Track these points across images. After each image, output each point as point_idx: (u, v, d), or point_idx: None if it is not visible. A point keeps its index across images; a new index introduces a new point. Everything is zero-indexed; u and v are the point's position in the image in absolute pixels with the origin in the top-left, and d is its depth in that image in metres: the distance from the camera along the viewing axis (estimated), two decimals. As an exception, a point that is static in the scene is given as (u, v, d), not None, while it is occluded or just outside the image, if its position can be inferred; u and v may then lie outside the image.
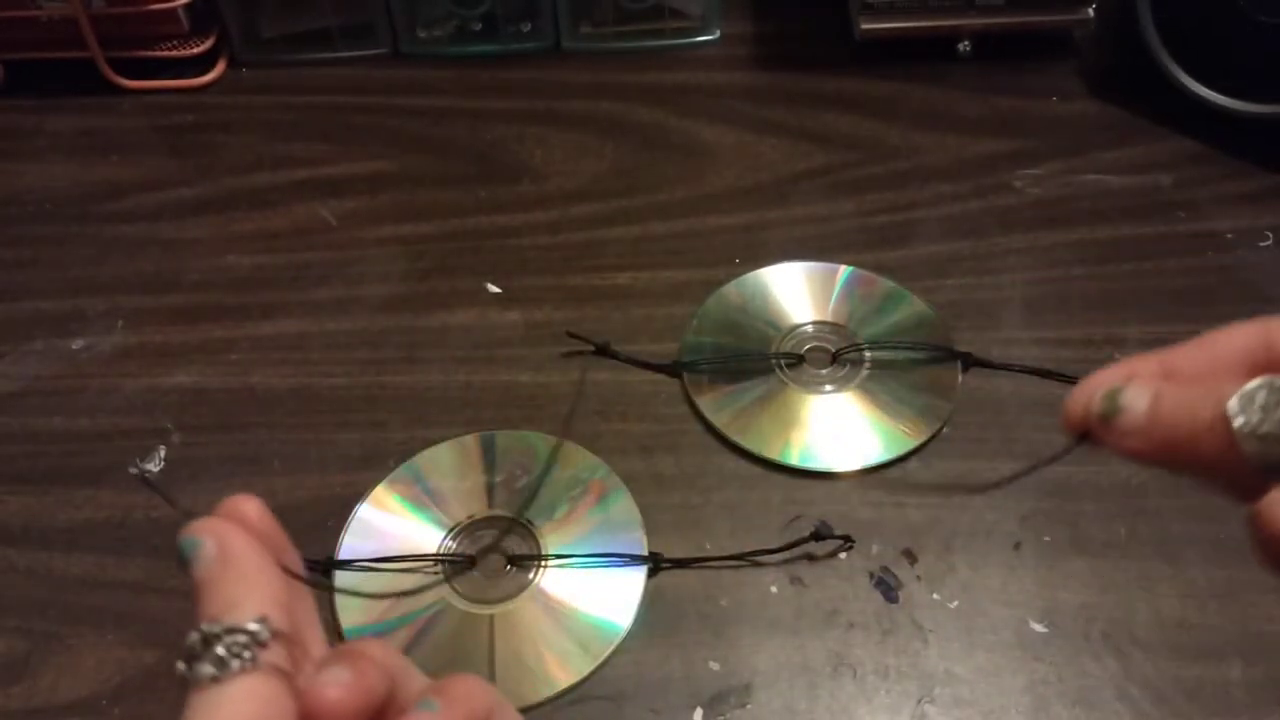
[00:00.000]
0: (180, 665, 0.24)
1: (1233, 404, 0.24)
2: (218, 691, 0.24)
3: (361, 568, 0.51)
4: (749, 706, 0.47)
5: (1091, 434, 0.28)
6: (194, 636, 0.25)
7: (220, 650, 0.24)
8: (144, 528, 0.54)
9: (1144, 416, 0.26)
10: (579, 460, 0.55)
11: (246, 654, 0.24)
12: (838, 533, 0.52)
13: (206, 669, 0.24)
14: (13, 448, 0.58)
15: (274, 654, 0.25)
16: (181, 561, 0.27)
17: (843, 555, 0.52)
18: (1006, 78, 0.77)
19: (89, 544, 0.53)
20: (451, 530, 0.52)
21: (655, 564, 0.51)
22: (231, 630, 0.24)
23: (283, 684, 0.25)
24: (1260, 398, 0.23)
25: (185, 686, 0.24)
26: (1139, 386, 0.27)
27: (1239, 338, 0.28)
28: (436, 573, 0.51)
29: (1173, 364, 0.28)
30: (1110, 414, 0.27)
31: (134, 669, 0.49)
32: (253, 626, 0.25)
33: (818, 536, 0.51)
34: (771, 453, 0.55)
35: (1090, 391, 0.28)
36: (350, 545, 0.52)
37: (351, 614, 0.50)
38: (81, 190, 0.72)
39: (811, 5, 0.82)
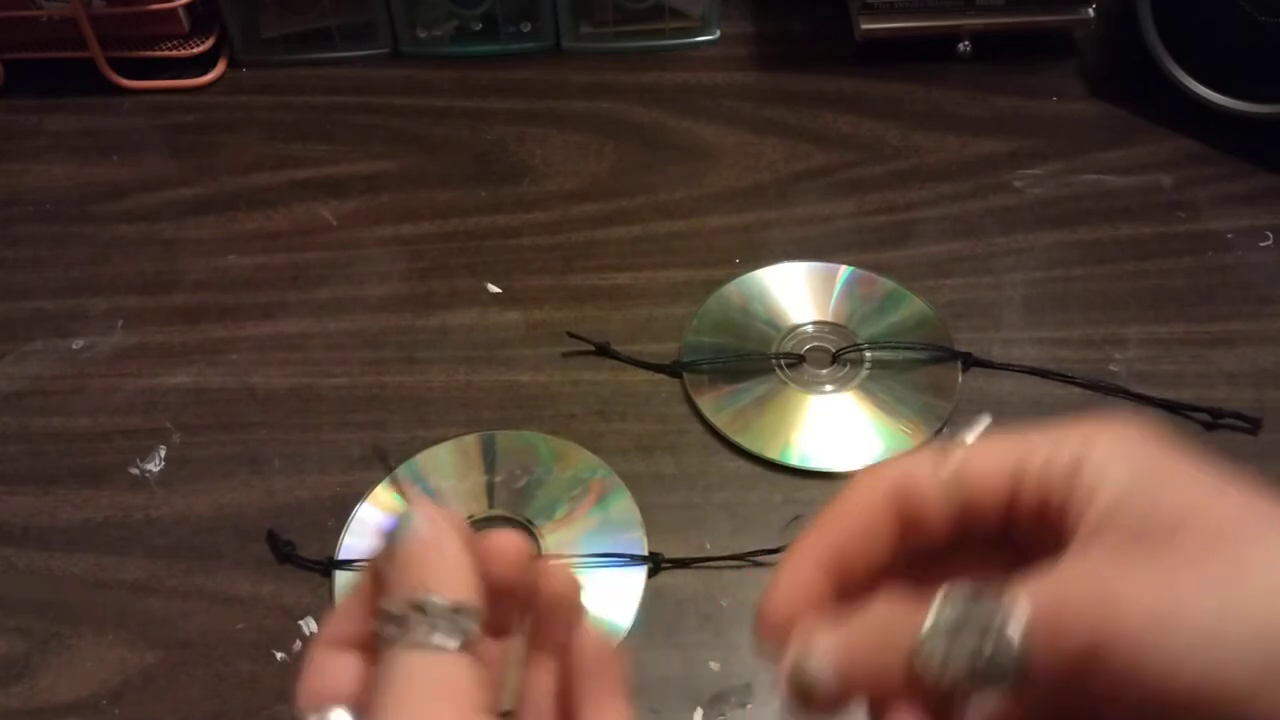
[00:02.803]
0: (390, 628, 0.25)
1: (916, 662, 0.23)
2: (439, 661, 0.24)
3: (362, 568, 0.51)
4: (749, 707, 0.47)
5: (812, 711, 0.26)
6: (417, 597, 0.25)
7: (444, 620, 0.25)
8: (144, 528, 0.54)
9: (833, 681, 0.25)
10: (579, 460, 0.55)
11: (461, 629, 0.25)
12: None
13: (433, 635, 0.25)
14: (13, 448, 0.58)
15: (479, 644, 0.25)
16: (394, 533, 0.27)
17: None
18: (1006, 78, 0.77)
19: (89, 544, 0.53)
20: None
21: (655, 564, 0.51)
22: (460, 609, 0.25)
23: (482, 675, 0.25)
24: (939, 650, 0.23)
25: (386, 645, 0.25)
26: (819, 653, 0.25)
27: (869, 507, 0.27)
28: None
29: (818, 556, 0.27)
30: (807, 692, 0.25)
31: (134, 669, 0.49)
32: (473, 606, 0.25)
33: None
34: (771, 453, 0.55)
35: (784, 668, 0.26)
36: (350, 545, 0.52)
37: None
38: (81, 190, 0.72)
39: (811, 5, 0.82)
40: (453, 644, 0.25)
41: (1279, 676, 0.21)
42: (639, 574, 0.51)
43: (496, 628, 0.29)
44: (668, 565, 0.51)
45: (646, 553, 0.52)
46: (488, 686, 0.25)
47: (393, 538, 0.27)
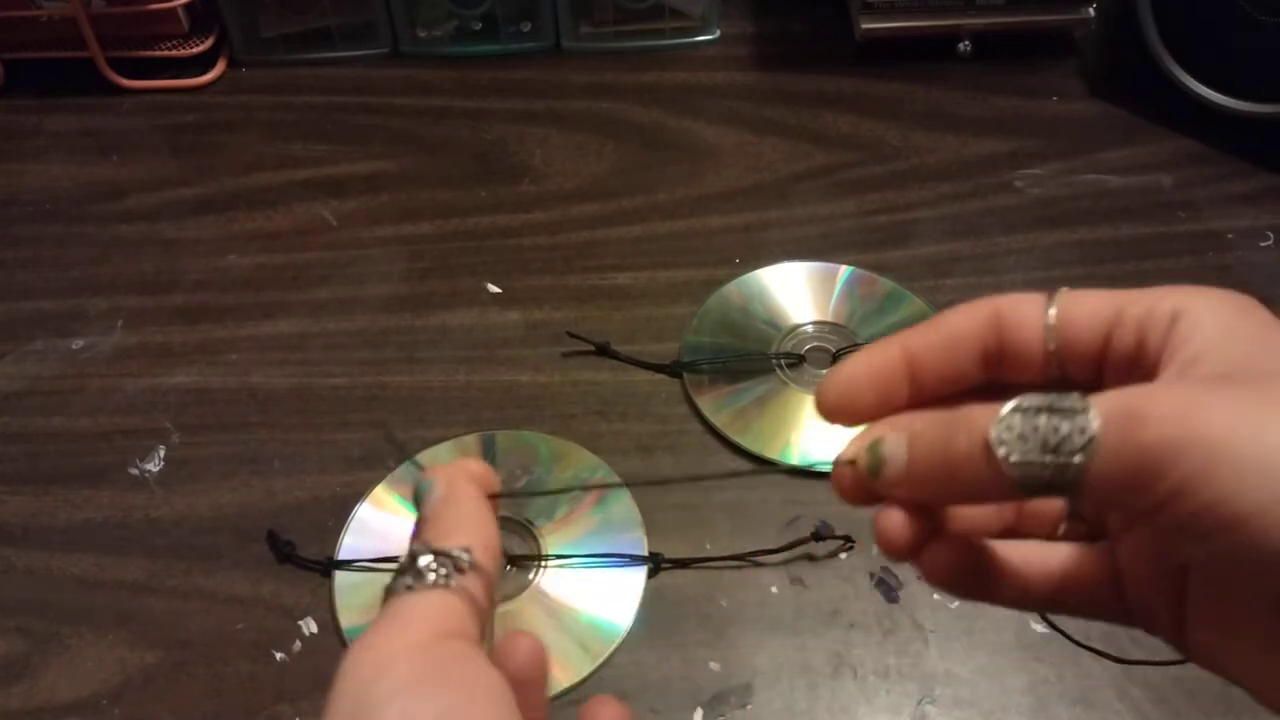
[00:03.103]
0: (391, 581, 0.27)
1: (991, 435, 0.23)
2: (409, 598, 0.26)
3: (361, 568, 0.51)
4: (749, 707, 0.47)
5: (866, 493, 0.27)
6: (405, 556, 0.27)
7: (421, 565, 0.26)
8: (144, 528, 0.54)
9: (905, 463, 0.26)
10: (579, 460, 0.55)
11: (443, 571, 0.26)
12: (838, 533, 0.52)
13: (405, 580, 0.26)
14: (13, 448, 0.58)
15: (470, 581, 0.26)
16: (416, 499, 0.29)
17: (843, 555, 0.52)
18: (1007, 78, 0.77)
19: (89, 544, 0.53)
20: None
21: (655, 564, 0.51)
22: (437, 553, 0.27)
23: (471, 607, 0.26)
24: (1016, 424, 0.23)
25: (385, 600, 0.26)
26: (895, 435, 0.26)
27: (969, 323, 0.27)
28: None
29: (914, 353, 0.28)
30: (875, 469, 0.26)
31: (134, 669, 0.49)
32: (455, 551, 0.27)
33: (818, 537, 0.51)
34: (771, 453, 0.55)
35: (854, 451, 0.27)
36: (350, 545, 0.52)
37: (352, 614, 0.50)
38: (81, 190, 0.72)
39: (811, 5, 0.82)
40: (429, 582, 0.26)
41: None
42: (639, 574, 0.51)
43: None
44: (668, 565, 0.51)
45: (646, 553, 0.52)
46: (475, 618, 0.26)
47: (416, 502, 0.29)
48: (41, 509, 0.55)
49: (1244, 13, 0.66)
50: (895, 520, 0.26)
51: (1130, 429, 0.22)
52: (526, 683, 0.28)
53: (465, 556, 0.27)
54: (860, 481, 0.27)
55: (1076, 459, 0.22)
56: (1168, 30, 0.70)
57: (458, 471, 0.30)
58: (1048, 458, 0.23)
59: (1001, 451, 0.23)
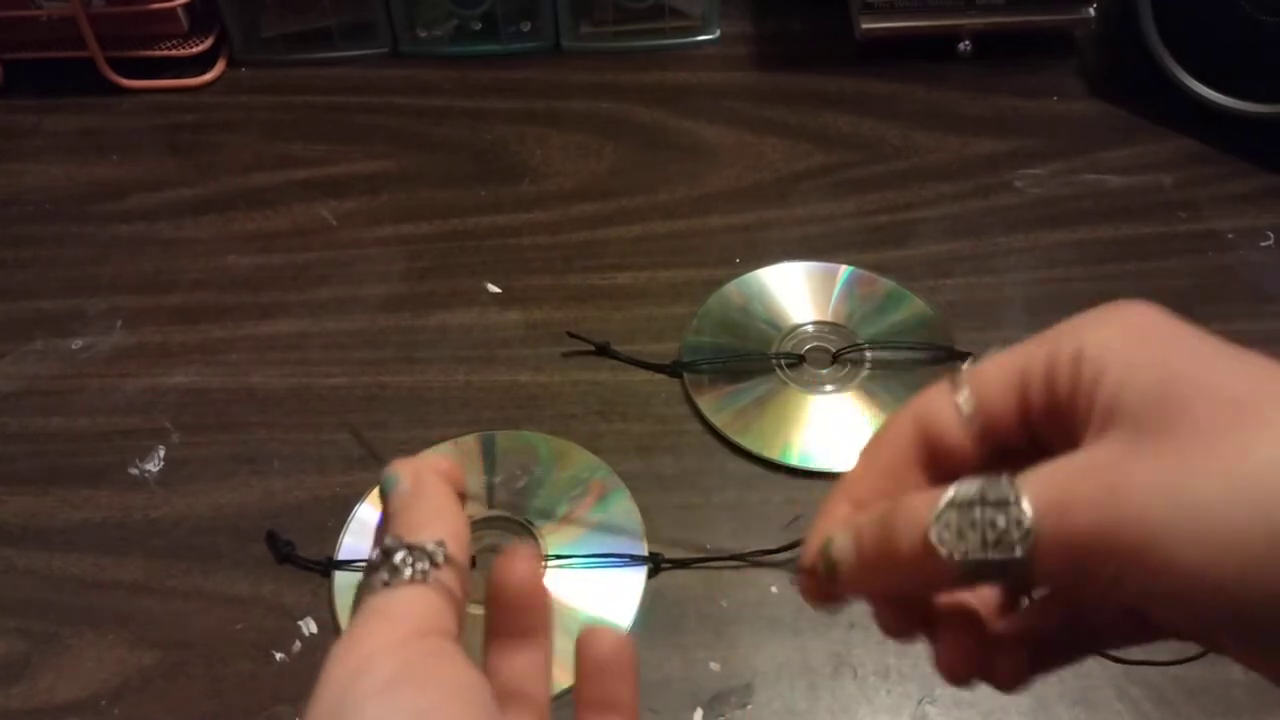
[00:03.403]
0: (363, 578, 0.27)
1: (932, 536, 0.23)
2: (386, 595, 0.26)
3: (361, 568, 0.51)
4: (749, 707, 0.47)
5: (830, 594, 0.27)
6: (376, 551, 0.27)
7: (396, 560, 0.26)
8: (143, 528, 0.54)
9: (854, 563, 0.26)
10: (579, 460, 0.55)
11: (420, 567, 0.26)
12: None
13: (381, 575, 0.26)
14: (12, 448, 0.58)
15: (445, 575, 0.27)
16: (382, 494, 0.29)
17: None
18: (1007, 77, 0.77)
19: (88, 544, 0.53)
20: None
21: (655, 564, 0.51)
22: (411, 547, 0.27)
23: (448, 602, 0.26)
24: (953, 521, 0.23)
25: (362, 596, 0.26)
26: (842, 535, 0.26)
27: (896, 450, 0.27)
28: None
29: (856, 494, 0.28)
30: (830, 571, 0.27)
31: (134, 669, 0.49)
32: (430, 546, 0.27)
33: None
34: (772, 453, 0.55)
35: (809, 558, 0.27)
36: (350, 545, 0.52)
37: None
38: (81, 190, 0.72)
39: (811, 5, 0.82)
40: (405, 577, 0.26)
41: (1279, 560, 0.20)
42: (639, 574, 0.51)
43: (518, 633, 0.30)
44: (668, 566, 0.51)
45: (646, 553, 0.51)
46: (452, 612, 0.27)
47: (382, 496, 0.29)
48: (41, 509, 0.55)
49: (1244, 13, 0.66)
50: (881, 614, 0.28)
51: (1062, 519, 0.22)
52: (611, 674, 0.29)
53: (439, 550, 0.27)
54: (822, 585, 0.27)
55: (1017, 552, 0.22)
56: (1168, 30, 0.70)
57: (424, 465, 0.29)
58: (990, 554, 0.23)
59: (943, 552, 0.23)
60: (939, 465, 0.27)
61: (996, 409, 0.26)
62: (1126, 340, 0.24)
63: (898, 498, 0.25)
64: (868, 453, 0.28)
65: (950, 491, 0.24)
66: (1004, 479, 0.23)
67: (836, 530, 0.26)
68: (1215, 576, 0.21)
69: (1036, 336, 0.26)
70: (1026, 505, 0.22)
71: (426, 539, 0.27)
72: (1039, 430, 0.26)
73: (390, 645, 0.25)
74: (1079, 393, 0.24)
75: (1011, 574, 0.23)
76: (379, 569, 0.26)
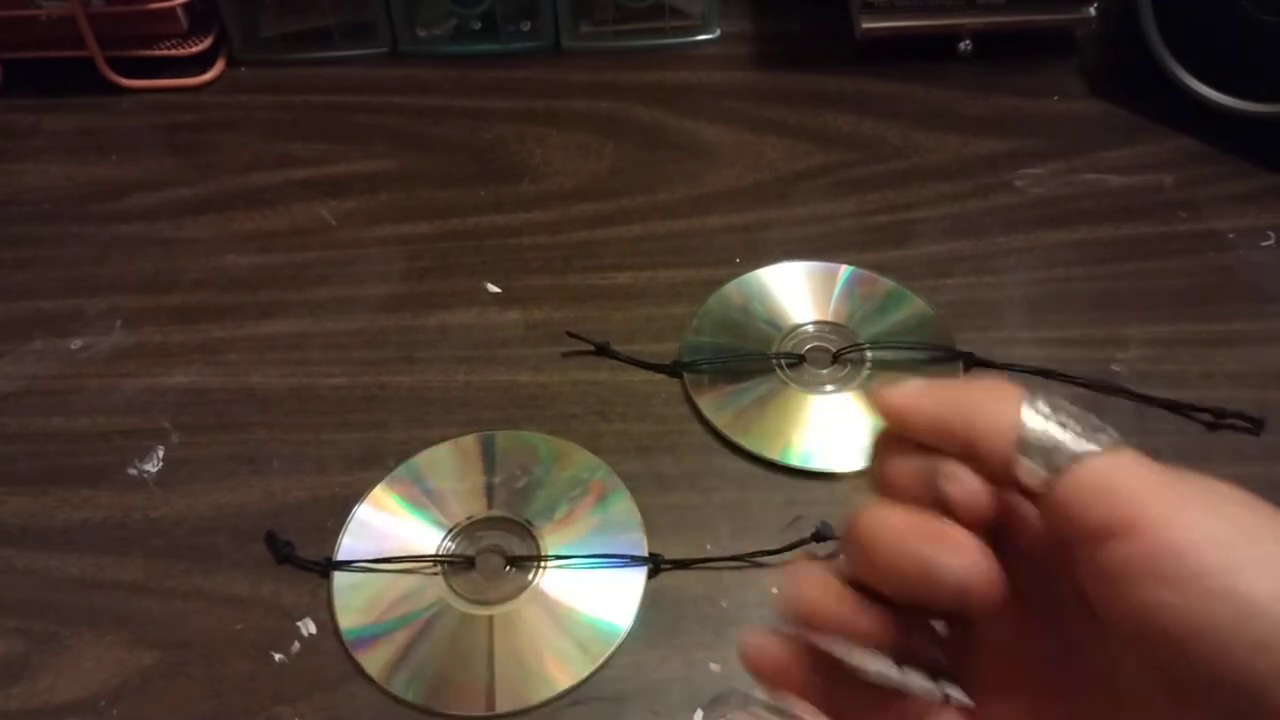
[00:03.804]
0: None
1: (1022, 416, 0.25)
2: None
3: (360, 568, 0.51)
4: (749, 707, 0.47)
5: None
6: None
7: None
8: (143, 528, 0.54)
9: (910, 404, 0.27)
10: (579, 460, 0.55)
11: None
12: (839, 534, 0.52)
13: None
14: (12, 448, 0.58)
15: None
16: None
17: (843, 556, 0.51)
18: (1007, 77, 0.77)
19: (88, 544, 0.53)
20: (451, 531, 0.52)
21: (655, 565, 0.51)
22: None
23: None
24: (1045, 409, 0.25)
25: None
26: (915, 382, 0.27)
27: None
28: (435, 572, 0.51)
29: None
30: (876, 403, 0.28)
31: (133, 669, 0.49)
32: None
33: (819, 537, 0.51)
34: (772, 453, 0.55)
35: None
36: (349, 546, 0.52)
37: (351, 615, 0.50)
38: (81, 190, 0.72)
39: (811, 5, 0.82)
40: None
41: (1246, 632, 0.21)
42: (639, 575, 0.51)
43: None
44: (668, 566, 0.51)
45: (646, 554, 0.51)
46: None
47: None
48: (40, 509, 0.55)
49: (1244, 13, 0.66)
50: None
51: (1101, 487, 0.23)
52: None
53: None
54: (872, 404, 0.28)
55: (1090, 446, 0.24)
56: (1168, 30, 0.70)
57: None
58: (1068, 441, 0.24)
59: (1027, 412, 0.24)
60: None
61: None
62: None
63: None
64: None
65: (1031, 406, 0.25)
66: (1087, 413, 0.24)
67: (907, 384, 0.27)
68: (1253, 628, 0.21)
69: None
70: (1110, 438, 0.24)
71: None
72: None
73: None
74: None
75: (1055, 467, 0.24)
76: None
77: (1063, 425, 0.24)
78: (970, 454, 0.25)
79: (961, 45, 0.76)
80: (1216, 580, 0.21)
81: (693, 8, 0.80)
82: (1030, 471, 0.24)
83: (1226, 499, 0.23)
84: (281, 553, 0.52)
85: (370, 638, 0.49)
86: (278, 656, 0.49)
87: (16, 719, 0.48)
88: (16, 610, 0.51)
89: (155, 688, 0.48)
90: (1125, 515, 0.23)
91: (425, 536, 0.52)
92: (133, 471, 0.56)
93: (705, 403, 0.57)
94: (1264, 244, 0.65)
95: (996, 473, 0.25)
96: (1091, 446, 0.24)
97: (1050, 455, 0.24)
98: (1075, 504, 0.23)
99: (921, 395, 0.26)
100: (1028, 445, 0.24)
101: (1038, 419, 0.24)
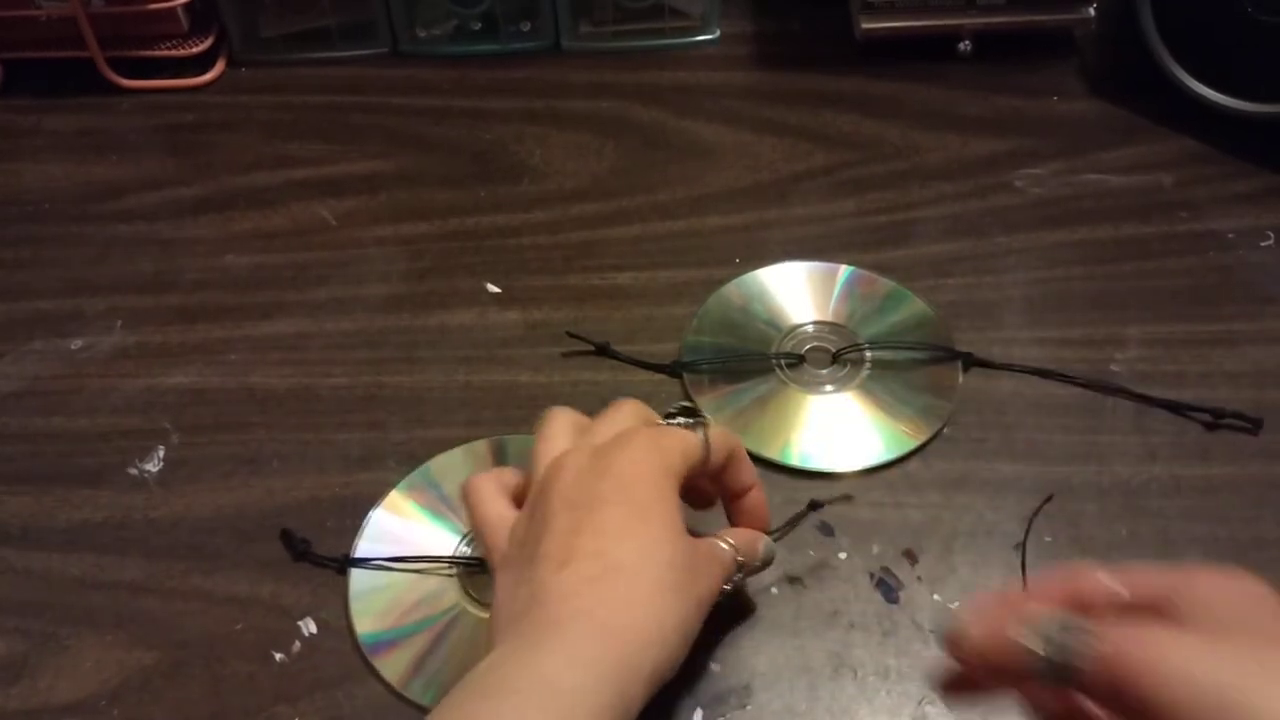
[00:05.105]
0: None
1: (1023, 636, 0.33)
2: None
3: (378, 566, 0.51)
4: (749, 708, 0.47)
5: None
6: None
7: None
8: (143, 528, 0.54)
9: (974, 639, 0.35)
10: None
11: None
12: (839, 534, 0.52)
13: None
14: (12, 448, 0.58)
15: None
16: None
17: (843, 556, 0.52)
18: (1007, 77, 0.77)
19: (88, 544, 0.53)
20: (466, 536, 0.52)
21: None
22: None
23: None
24: (1049, 633, 0.33)
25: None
26: (974, 621, 0.36)
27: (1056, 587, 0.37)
28: (452, 574, 0.51)
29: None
30: (960, 637, 0.36)
31: (133, 669, 0.49)
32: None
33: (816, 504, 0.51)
34: (771, 453, 0.55)
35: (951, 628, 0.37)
36: (364, 548, 0.52)
37: (367, 619, 0.50)
38: (81, 190, 0.72)
39: (811, 5, 0.82)
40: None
41: None
42: None
43: None
44: None
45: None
46: None
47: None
48: (41, 509, 0.55)
49: (1244, 13, 0.66)
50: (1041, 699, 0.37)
51: (1108, 666, 0.31)
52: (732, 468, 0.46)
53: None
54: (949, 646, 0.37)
55: (1072, 667, 0.32)
56: (1168, 30, 0.70)
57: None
58: (1053, 658, 0.32)
59: (1029, 645, 0.33)
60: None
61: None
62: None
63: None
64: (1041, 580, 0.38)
65: (1053, 613, 0.33)
66: (1088, 623, 0.33)
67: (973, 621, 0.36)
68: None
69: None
70: (1097, 641, 0.32)
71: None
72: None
73: None
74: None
75: (1065, 678, 0.32)
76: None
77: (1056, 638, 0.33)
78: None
79: (961, 45, 0.76)
80: None
81: (693, 8, 0.80)
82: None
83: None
84: (298, 549, 0.52)
85: (388, 642, 0.49)
86: (278, 656, 0.49)
87: (16, 719, 0.48)
88: (16, 610, 0.51)
89: (155, 688, 0.48)
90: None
91: (441, 541, 0.52)
92: (133, 471, 0.56)
93: (705, 403, 0.57)
94: (1264, 244, 0.65)
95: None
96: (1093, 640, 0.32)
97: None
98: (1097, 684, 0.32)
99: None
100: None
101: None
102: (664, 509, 0.41)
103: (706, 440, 0.44)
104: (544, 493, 0.42)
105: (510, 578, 0.41)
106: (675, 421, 0.46)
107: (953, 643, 0.36)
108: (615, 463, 0.42)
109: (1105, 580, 0.36)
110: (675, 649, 0.40)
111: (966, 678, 0.38)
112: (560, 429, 0.45)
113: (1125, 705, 0.31)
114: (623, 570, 0.39)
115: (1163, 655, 0.31)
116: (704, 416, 0.46)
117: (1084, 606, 0.36)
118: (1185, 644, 0.31)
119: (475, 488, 0.45)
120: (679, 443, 0.44)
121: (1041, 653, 0.33)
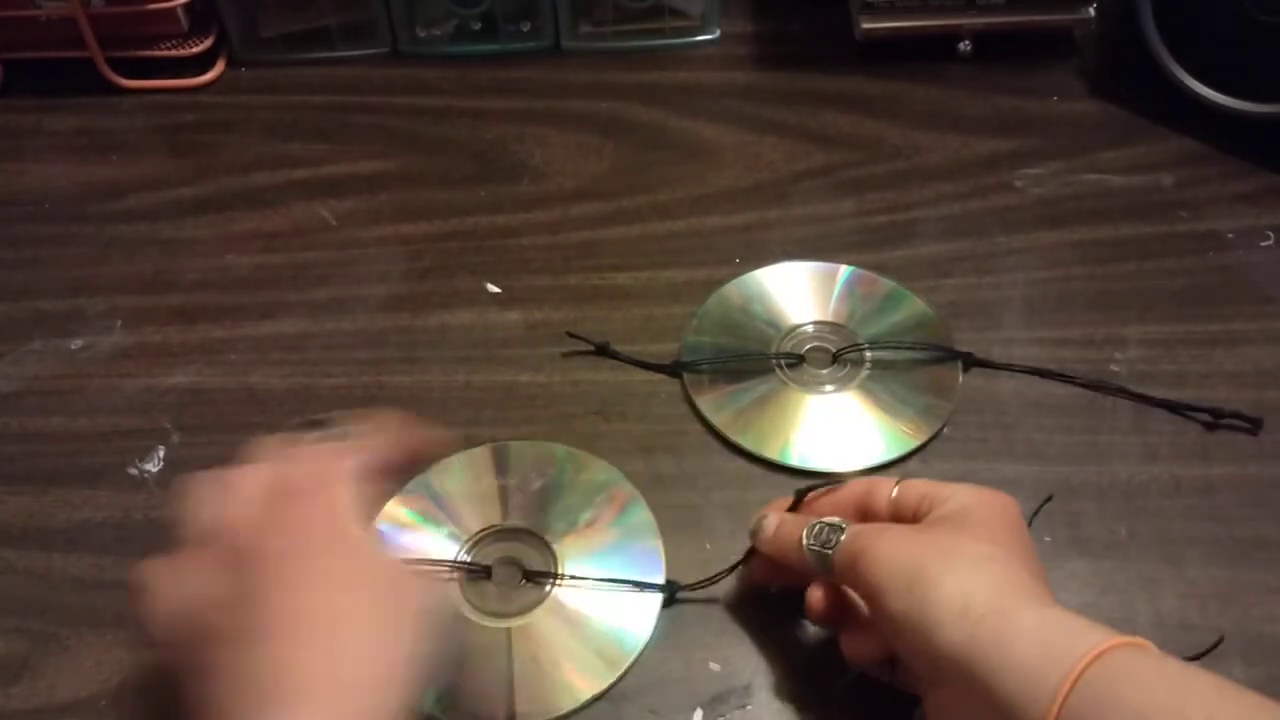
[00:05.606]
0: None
1: (803, 535, 0.44)
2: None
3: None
4: (749, 707, 0.47)
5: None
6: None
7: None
8: (143, 528, 0.54)
9: (769, 534, 0.47)
10: (595, 469, 0.55)
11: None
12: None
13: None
14: (12, 448, 0.58)
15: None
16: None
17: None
18: (1007, 77, 0.77)
19: (88, 544, 0.53)
20: (466, 543, 0.52)
21: (670, 594, 0.50)
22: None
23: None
24: (815, 532, 0.44)
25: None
26: (772, 516, 0.47)
27: (851, 492, 0.47)
28: (453, 579, 0.51)
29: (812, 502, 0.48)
30: (757, 531, 0.47)
31: (133, 669, 0.49)
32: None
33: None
34: (771, 453, 0.55)
35: (757, 518, 0.48)
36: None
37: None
38: (81, 190, 0.72)
39: (811, 5, 0.82)
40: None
41: (907, 598, 0.39)
42: (655, 599, 0.50)
43: None
44: (683, 594, 0.50)
45: (663, 566, 0.51)
46: None
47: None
48: (41, 509, 0.55)
49: (1244, 13, 0.66)
50: (815, 595, 0.45)
51: (844, 550, 0.43)
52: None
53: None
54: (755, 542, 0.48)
55: (830, 558, 0.43)
56: (1168, 30, 0.70)
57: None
58: (819, 554, 0.44)
59: (805, 543, 0.44)
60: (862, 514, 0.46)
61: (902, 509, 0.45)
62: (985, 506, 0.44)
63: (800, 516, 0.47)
64: (838, 488, 0.48)
65: (822, 519, 0.45)
66: (844, 522, 0.44)
67: (772, 516, 0.47)
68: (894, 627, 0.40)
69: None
70: (844, 536, 0.43)
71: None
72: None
73: None
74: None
75: (827, 567, 0.43)
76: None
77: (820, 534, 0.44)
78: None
79: (961, 45, 0.76)
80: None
81: (692, 8, 0.80)
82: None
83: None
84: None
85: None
86: (278, 656, 0.49)
87: (17, 718, 0.48)
88: (17, 610, 0.51)
89: (155, 687, 0.48)
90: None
91: (441, 549, 0.52)
92: (133, 471, 0.56)
93: (705, 403, 0.57)
94: (1263, 244, 0.65)
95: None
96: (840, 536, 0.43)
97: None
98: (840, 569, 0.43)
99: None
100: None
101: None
102: (347, 545, 0.39)
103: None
104: (224, 560, 0.38)
105: (224, 656, 0.36)
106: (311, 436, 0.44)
107: (754, 536, 0.47)
108: (284, 515, 0.39)
109: (885, 489, 0.45)
110: (410, 674, 0.38)
111: (769, 565, 0.47)
112: (203, 496, 0.41)
113: (857, 585, 0.42)
114: (331, 625, 0.37)
115: (877, 543, 0.41)
116: None
117: (869, 513, 0.45)
118: (894, 534, 0.41)
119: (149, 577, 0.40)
120: (335, 463, 0.42)
121: (809, 546, 0.43)
